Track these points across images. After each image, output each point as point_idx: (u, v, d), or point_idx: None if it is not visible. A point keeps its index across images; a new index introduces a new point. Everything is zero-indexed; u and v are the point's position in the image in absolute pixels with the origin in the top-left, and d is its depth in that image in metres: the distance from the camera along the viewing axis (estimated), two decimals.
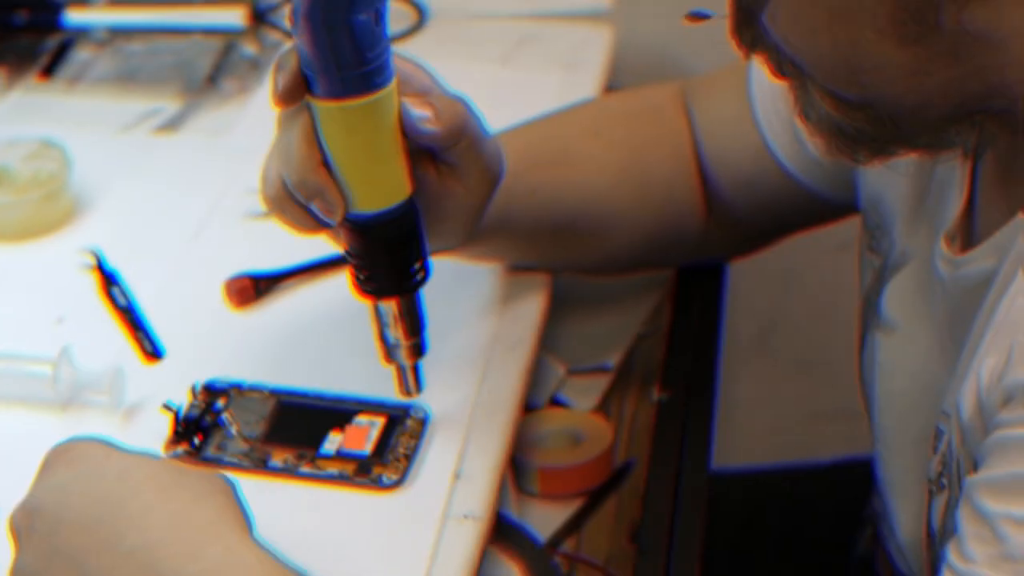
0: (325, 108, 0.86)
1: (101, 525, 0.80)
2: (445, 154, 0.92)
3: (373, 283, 0.93)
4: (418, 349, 0.96)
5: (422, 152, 0.92)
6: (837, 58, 0.78)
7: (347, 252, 0.92)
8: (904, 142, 0.83)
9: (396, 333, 0.94)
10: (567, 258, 1.17)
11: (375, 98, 0.86)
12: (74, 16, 1.53)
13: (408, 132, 0.89)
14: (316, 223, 0.91)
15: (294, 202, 0.90)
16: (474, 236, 1.02)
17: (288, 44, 0.86)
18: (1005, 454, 0.75)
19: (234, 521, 0.82)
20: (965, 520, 0.75)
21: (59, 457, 0.85)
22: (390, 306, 0.94)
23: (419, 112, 0.89)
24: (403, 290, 0.93)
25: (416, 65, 0.92)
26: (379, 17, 0.84)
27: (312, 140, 0.87)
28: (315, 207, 0.88)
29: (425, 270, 0.94)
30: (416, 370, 0.97)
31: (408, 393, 0.97)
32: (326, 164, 0.88)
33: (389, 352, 0.96)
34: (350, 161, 0.88)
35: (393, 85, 0.88)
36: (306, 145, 0.87)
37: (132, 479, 0.82)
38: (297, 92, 0.86)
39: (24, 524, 0.83)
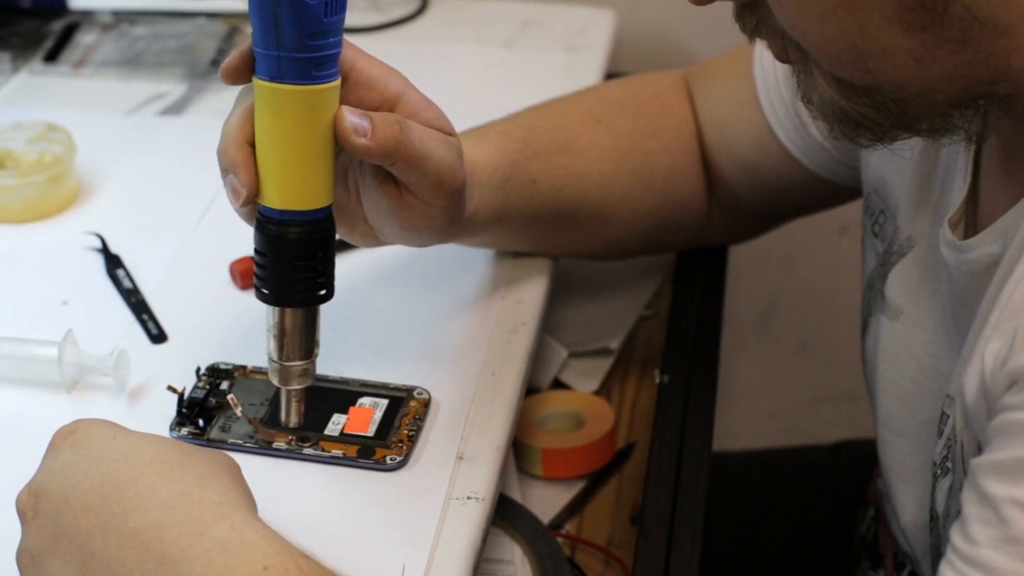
0: (259, 86, 0.86)
1: (106, 506, 0.81)
2: (391, 169, 0.92)
3: (265, 288, 0.89)
4: (302, 374, 0.91)
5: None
6: (844, 43, 0.78)
7: (255, 249, 0.89)
8: (908, 127, 0.83)
9: (284, 350, 0.90)
10: (568, 244, 1.17)
11: (309, 89, 0.85)
12: (79, 0, 1.53)
13: (340, 140, 0.88)
14: None
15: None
16: (468, 228, 1.02)
17: None
18: (1010, 437, 0.75)
19: (239, 500, 0.83)
20: (969, 503, 0.76)
21: (65, 438, 0.85)
22: (284, 318, 0.90)
23: (354, 121, 0.88)
24: (298, 303, 0.89)
25: (389, 69, 0.92)
26: (331, 8, 0.83)
27: (248, 117, 0.88)
28: (226, 183, 0.88)
29: (328, 289, 0.90)
30: (300, 398, 0.92)
31: (284, 422, 0.93)
32: (253, 147, 0.88)
33: (274, 371, 0.91)
34: (271, 148, 0.87)
35: (333, 87, 0.86)
36: (240, 119, 0.88)
37: (137, 460, 0.83)
38: (243, 70, 0.87)
39: (30, 505, 0.83)
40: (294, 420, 0.93)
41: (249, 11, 0.84)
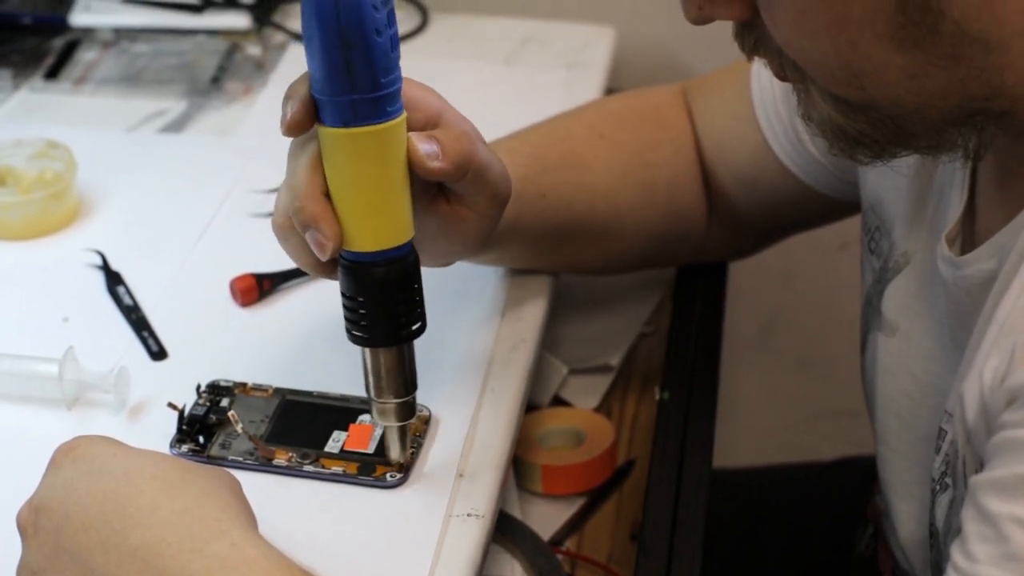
0: (332, 134, 0.84)
1: (106, 523, 0.81)
2: (452, 185, 0.92)
3: (361, 330, 0.89)
4: (404, 411, 0.92)
5: (431, 183, 0.91)
6: (838, 61, 0.79)
7: (342, 293, 0.89)
8: (905, 144, 0.83)
9: (386, 389, 0.91)
10: (575, 259, 1.17)
11: (384, 127, 0.84)
12: (80, 17, 1.54)
13: (415, 168, 0.87)
14: (316, 258, 0.89)
15: (297, 233, 0.89)
16: (487, 245, 1.02)
17: (293, 44, 0.86)
18: (1009, 454, 0.75)
19: (240, 517, 0.83)
20: (969, 520, 0.76)
21: (65, 455, 0.85)
22: (381, 357, 0.90)
23: (427, 148, 0.87)
24: (392, 341, 0.89)
25: (425, 87, 0.92)
26: (394, 43, 0.83)
27: (317, 168, 0.86)
28: (310, 238, 0.87)
29: (422, 322, 0.90)
30: (403, 433, 0.93)
31: (390, 461, 0.94)
32: (328, 196, 0.87)
33: (378, 410, 0.92)
34: (352, 192, 0.86)
35: (403, 118, 0.86)
36: (310, 172, 0.86)
37: (137, 477, 0.83)
38: (306, 120, 0.85)
39: (30, 521, 0.83)
40: (405, 455, 0.94)
41: (310, 57, 0.82)
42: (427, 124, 0.90)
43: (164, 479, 0.83)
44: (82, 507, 0.82)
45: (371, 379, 0.91)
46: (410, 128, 0.88)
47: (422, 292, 0.90)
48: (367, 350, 0.90)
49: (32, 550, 0.83)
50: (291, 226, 0.89)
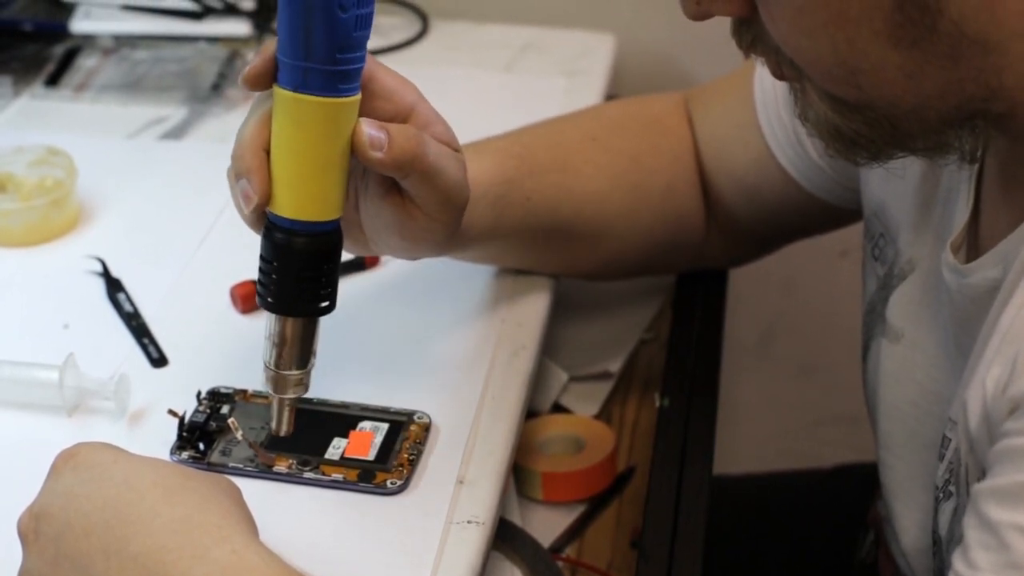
0: (281, 95, 0.86)
1: (108, 529, 0.81)
2: (402, 182, 0.92)
3: (272, 296, 0.89)
4: (297, 384, 0.92)
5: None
6: (835, 59, 0.79)
7: (260, 255, 0.90)
8: (901, 145, 0.83)
9: (281, 358, 0.90)
10: (565, 262, 1.17)
11: (331, 102, 0.85)
12: (81, 24, 1.54)
13: (356, 152, 0.88)
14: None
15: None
16: (461, 243, 1.02)
17: None
18: (1011, 462, 0.75)
19: (241, 524, 0.83)
20: (971, 528, 0.76)
21: (66, 462, 0.85)
22: (284, 326, 0.90)
23: (373, 134, 0.88)
24: (300, 313, 0.90)
25: (404, 81, 0.92)
26: (360, 23, 0.84)
27: (265, 124, 0.88)
28: (239, 189, 0.88)
29: (331, 302, 0.91)
30: (291, 407, 0.93)
31: (274, 431, 0.94)
32: (267, 154, 0.88)
33: (269, 378, 0.92)
34: (288, 157, 0.87)
35: (354, 100, 0.87)
36: (258, 127, 0.88)
37: (139, 484, 0.83)
38: (264, 76, 0.87)
39: (31, 528, 0.83)
40: (285, 429, 0.93)
41: (278, 20, 0.84)
42: (395, 117, 0.91)
43: (165, 486, 0.83)
44: (83, 513, 0.82)
45: (270, 347, 0.91)
46: (377, 116, 0.89)
47: (336, 273, 0.90)
48: (272, 316, 0.90)
49: (33, 556, 0.83)
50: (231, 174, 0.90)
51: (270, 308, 0.90)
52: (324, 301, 0.90)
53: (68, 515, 0.82)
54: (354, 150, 0.88)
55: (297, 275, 0.89)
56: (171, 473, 0.84)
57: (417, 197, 0.93)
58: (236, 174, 0.88)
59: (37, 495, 0.85)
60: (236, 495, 0.86)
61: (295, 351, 0.91)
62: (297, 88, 0.85)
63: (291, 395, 0.92)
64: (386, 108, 0.90)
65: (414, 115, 0.92)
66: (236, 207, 0.91)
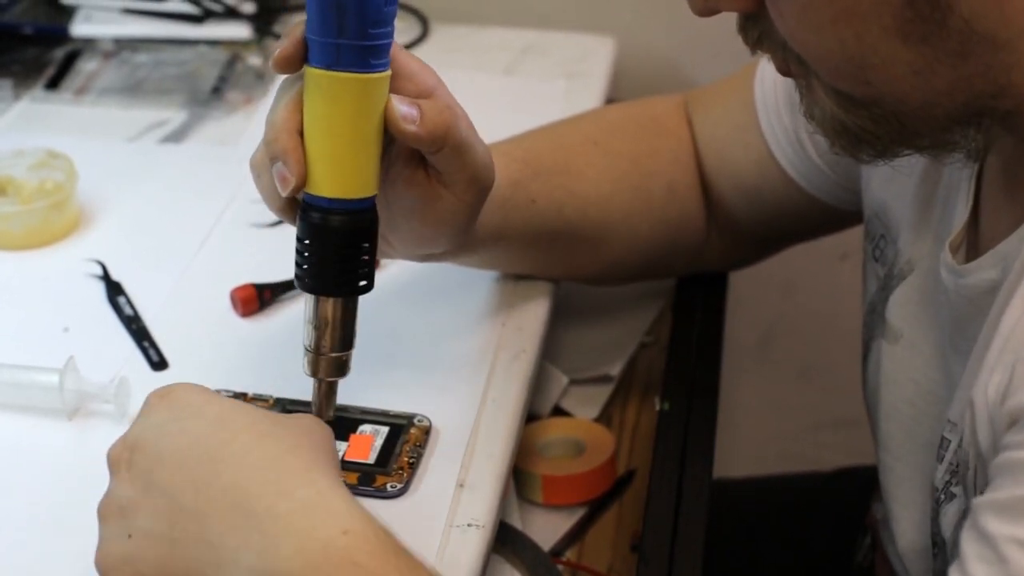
0: (314, 74, 0.86)
1: (199, 463, 0.82)
2: (431, 159, 0.92)
3: (311, 277, 0.90)
4: (340, 366, 0.92)
5: (415, 155, 0.93)
6: (843, 55, 0.78)
7: (297, 238, 0.90)
8: (908, 142, 0.83)
9: (322, 340, 0.90)
10: (568, 266, 1.17)
11: (365, 77, 0.86)
12: (81, 27, 1.54)
13: (390, 127, 0.89)
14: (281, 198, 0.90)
15: (268, 168, 0.90)
16: (470, 244, 1.02)
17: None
18: (1010, 476, 0.75)
19: (328, 468, 0.83)
20: (968, 541, 0.75)
21: (161, 399, 0.86)
22: (325, 307, 0.90)
23: (405, 110, 0.89)
24: (340, 292, 0.90)
25: (424, 64, 0.93)
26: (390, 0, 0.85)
27: (297, 107, 0.88)
28: (276, 171, 0.88)
29: (370, 281, 0.91)
30: (333, 390, 0.93)
31: (316, 415, 0.93)
32: (302, 136, 0.88)
33: (310, 361, 0.92)
34: (323, 136, 0.87)
35: (386, 76, 0.88)
36: (289, 109, 0.88)
37: (231, 424, 0.84)
38: (295, 58, 0.87)
39: (124, 458, 0.84)
40: (328, 414, 0.93)
41: (307, 4, 0.85)
42: (418, 97, 0.91)
43: (256, 429, 0.83)
44: (176, 447, 0.83)
45: (311, 330, 0.91)
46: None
47: (374, 251, 0.91)
48: (311, 297, 0.90)
49: (124, 485, 0.84)
50: (266, 163, 0.90)
51: (310, 290, 0.90)
52: (363, 280, 0.90)
53: (161, 448, 0.83)
54: (388, 125, 0.89)
55: (337, 255, 0.89)
56: (262, 418, 0.85)
57: (446, 173, 0.93)
58: (271, 158, 0.89)
59: (130, 427, 0.86)
60: (324, 441, 0.86)
61: (338, 332, 0.91)
62: (330, 66, 0.85)
63: (333, 377, 0.92)
64: (409, 88, 0.91)
65: (435, 97, 0.92)
66: (264, 195, 0.92)
